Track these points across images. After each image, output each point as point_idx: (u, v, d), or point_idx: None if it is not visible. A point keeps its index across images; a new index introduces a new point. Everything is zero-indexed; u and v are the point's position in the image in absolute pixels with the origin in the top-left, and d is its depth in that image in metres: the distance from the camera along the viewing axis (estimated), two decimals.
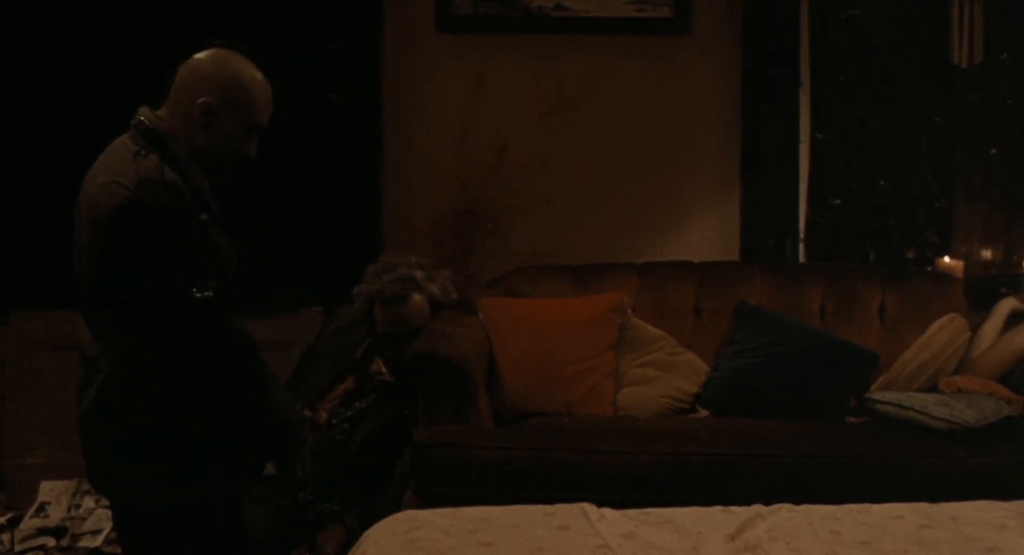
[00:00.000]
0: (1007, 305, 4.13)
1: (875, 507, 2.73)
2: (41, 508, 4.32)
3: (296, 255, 4.77)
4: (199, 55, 2.77)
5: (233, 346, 2.62)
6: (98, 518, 4.16)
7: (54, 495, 4.37)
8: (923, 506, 2.74)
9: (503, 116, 4.83)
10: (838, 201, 4.91)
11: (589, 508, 2.69)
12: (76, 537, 4.17)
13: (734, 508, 2.73)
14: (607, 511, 2.67)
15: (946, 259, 4.73)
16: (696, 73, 4.84)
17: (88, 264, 2.59)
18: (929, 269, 4.78)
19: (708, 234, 4.84)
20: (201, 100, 2.69)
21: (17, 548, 4.11)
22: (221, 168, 2.78)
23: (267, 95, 2.82)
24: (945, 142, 4.94)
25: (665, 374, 4.09)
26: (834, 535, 2.52)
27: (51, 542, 4.13)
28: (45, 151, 4.70)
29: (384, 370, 3.98)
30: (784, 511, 2.70)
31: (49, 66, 4.70)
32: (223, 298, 2.59)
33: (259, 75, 2.80)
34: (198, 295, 2.52)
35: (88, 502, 4.31)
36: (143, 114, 2.72)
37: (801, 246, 4.84)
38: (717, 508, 2.74)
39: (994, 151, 4.92)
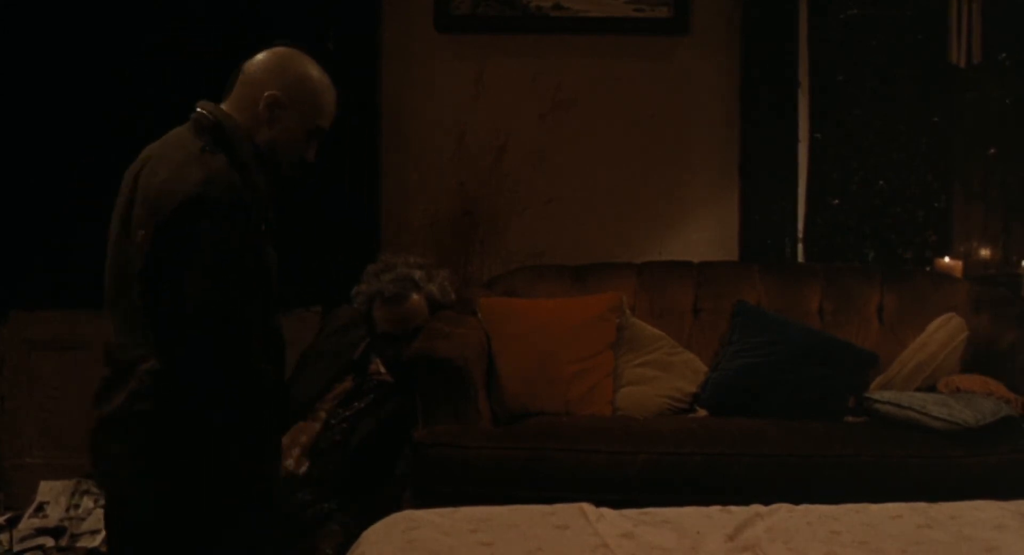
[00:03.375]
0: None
1: (874, 507, 2.73)
2: (40, 508, 4.32)
3: (295, 255, 4.76)
4: (267, 51, 2.74)
5: (252, 380, 2.55)
6: (97, 518, 4.16)
7: (53, 495, 4.37)
8: (922, 506, 2.74)
9: (502, 116, 4.83)
10: (837, 201, 4.91)
11: (588, 508, 2.69)
12: (75, 537, 4.17)
13: (733, 508, 2.73)
14: (606, 511, 2.67)
15: (945, 259, 4.73)
16: (695, 73, 4.84)
17: (143, 260, 2.50)
18: (928, 269, 4.78)
19: (707, 234, 4.84)
20: (269, 93, 2.65)
21: (16, 548, 4.11)
22: (280, 171, 2.75)
23: (333, 98, 2.80)
24: (944, 142, 4.94)
25: (664, 374, 4.09)
26: (833, 535, 2.52)
27: (50, 542, 4.13)
28: (43, 152, 4.71)
29: (383, 370, 3.98)
30: (783, 511, 2.70)
31: (47, 69, 4.70)
32: (259, 318, 2.56)
33: (327, 78, 2.79)
34: (236, 309, 2.47)
35: (87, 502, 4.31)
36: (204, 107, 2.66)
37: (800, 246, 4.84)
38: (716, 508, 2.74)
39: (993, 151, 4.93)
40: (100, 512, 4.15)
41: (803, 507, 2.73)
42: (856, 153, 4.91)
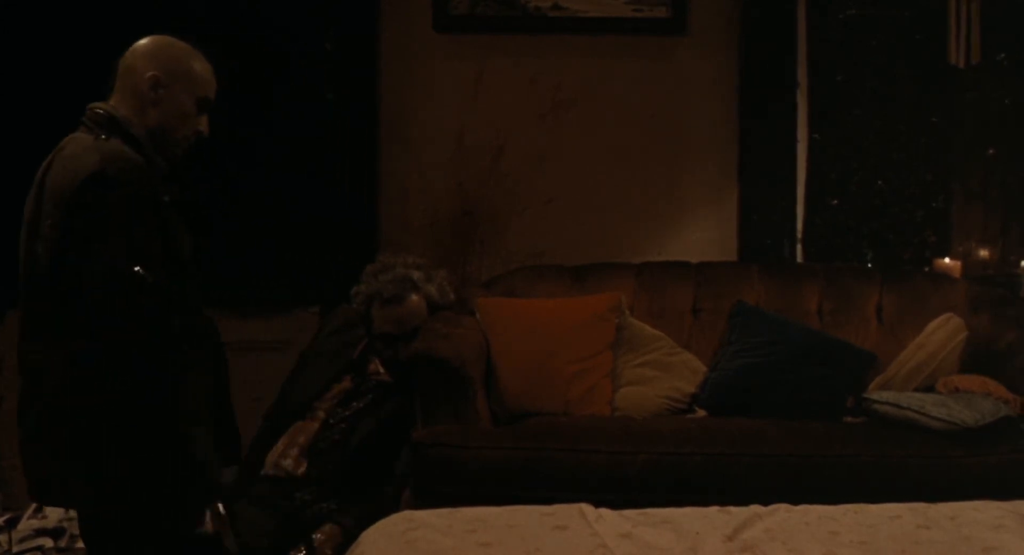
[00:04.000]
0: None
1: (872, 507, 2.73)
2: (39, 509, 4.32)
3: (293, 255, 4.77)
4: (139, 41, 2.87)
5: (170, 351, 2.55)
6: None
7: None
8: (921, 506, 2.74)
9: (501, 116, 4.83)
10: (836, 201, 4.91)
11: (587, 508, 2.69)
12: (74, 538, 4.16)
13: (732, 508, 2.73)
14: (605, 511, 2.67)
15: (944, 259, 4.73)
16: (693, 73, 4.84)
17: (50, 252, 2.57)
18: (926, 269, 4.78)
19: (706, 234, 4.84)
20: (150, 74, 2.76)
21: (15, 549, 4.11)
22: (177, 148, 2.82)
23: (209, 68, 2.89)
24: (942, 142, 4.94)
25: (663, 374, 4.09)
26: (831, 535, 2.52)
27: (49, 543, 4.12)
28: (40, 153, 4.70)
29: (382, 370, 3.98)
30: (782, 511, 2.70)
31: (41, 68, 4.70)
32: (172, 290, 2.56)
33: (197, 51, 2.89)
34: (143, 273, 2.49)
35: None
36: (93, 107, 2.77)
37: (799, 246, 4.84)
38: (715, 508, 2.74)
39: (991, 151, 4.93)
40: None
41: (802, 507, 2.73)
42: (855, 153, 4.91)
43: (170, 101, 2.78)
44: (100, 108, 2.75)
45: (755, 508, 2.71)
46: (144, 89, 2.76)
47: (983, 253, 4.90)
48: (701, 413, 4.01)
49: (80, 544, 4.12)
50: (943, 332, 4.04)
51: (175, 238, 2.65)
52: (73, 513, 4.26)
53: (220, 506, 2.74)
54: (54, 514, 4.26)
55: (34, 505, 4.34)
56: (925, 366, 3.97)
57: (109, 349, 2.50)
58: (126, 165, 2.59)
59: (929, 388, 3.89)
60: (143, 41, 2.86)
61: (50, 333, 2.60)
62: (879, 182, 4.91)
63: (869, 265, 4.86)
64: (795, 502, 2.78)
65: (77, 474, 2.60)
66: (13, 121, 4.69)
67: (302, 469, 3.71)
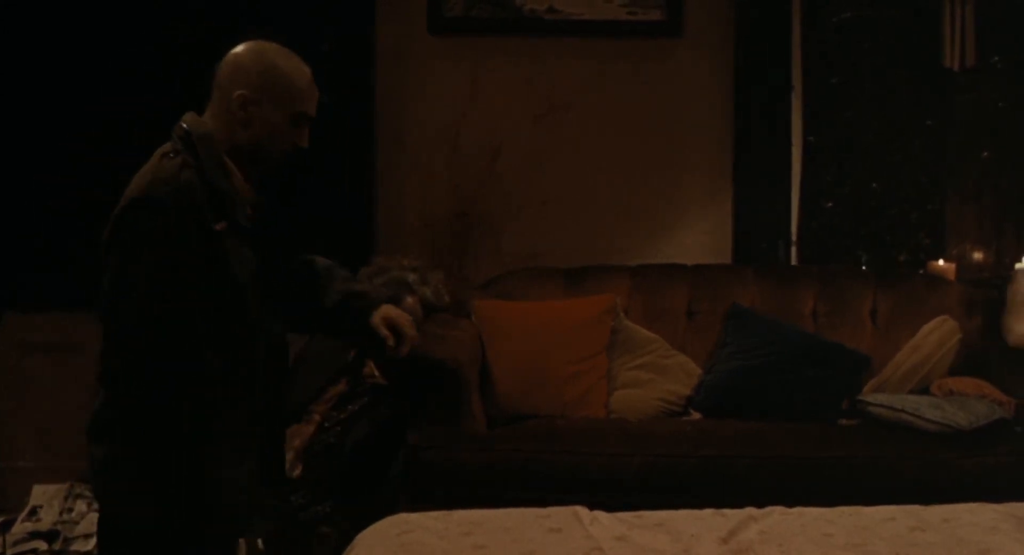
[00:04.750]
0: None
1: (867, 509, 2.73)
2: (33, 512, 4.32)
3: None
4: (234, 49, 2.70)
5: (196, 390, 2.47)
6: (90, 522, 4.15)
7: (46, 499, 4.36)
8: (915, 508, 2.74)
9: (496, 118, 4.82)
10: (830, 203, 4.92)
11: (582, 511, 2.69)
12: (68, 541, 4.16)
13: (726, 511, 2.73)
14: (600, 514, 2.67)
15: (939, 262, 4.74)
16: (688, 76, 4.84)
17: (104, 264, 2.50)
18: (921, 271, 4.78)
19: (701, 236, 4.84)
20: (237, 93, 2.61)
21: (9, 552, 4.10)
22: (272, 165, 2.72)
23: (306, 79, 2.75)
24: (937, 145, 4.95)
25: (658, 376, 4.09)
26: (826, 537, 2.52)
27: (43, 546, 4.12)
28: (37, 154, 4.70)
29: (377, 373, 3.97)
30: (776, 513, 2.70)
31: (37, 71, 4.70)
32: (207, 325, 2.49)
33: (296, 61, 2.74)
34: (160, 311, 2.41)
35: (80, 506, 4.30)
36: (185, 119, 2.64)
37: (793, 248, 4.84)
38: (709, 511, 2.74)
39: (986, 154, 4.94)
40: (94, 516, 4.14)
41: (796, 510, 2.73)
42: (849, 156, 4.92)
43: (261, 120, 2.64)
44: (185, 122, 2.63)
45: (750, 510, 2.71)
46: (233, 108, 2.62)
47: (977, 255, 4.91)
48: (696, 415, 4.01)
49: (74, 547, 4.12)
50: (938, 334, 4.04)
51: (230, 265, 2.54)
52: (67, 517, 4.26)
53: (251, 542, 2.71)
54: (48, 517, 4.26)
55: (28, 508, 4.34)
56: (919, 368, 3.97)
57: (125, 385, 2.45)
58: (173, 190, 2.47)
59: (924, 390, 3.90)
60: (236, 50, 2.69)
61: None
62: (874, 184, 4.92)
63: (864, 267, 4.86)
64: (790, 504, 2.78)
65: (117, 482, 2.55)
66: (13, 121, 4.70)
67: (297, 472, 3.70)
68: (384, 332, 2.79)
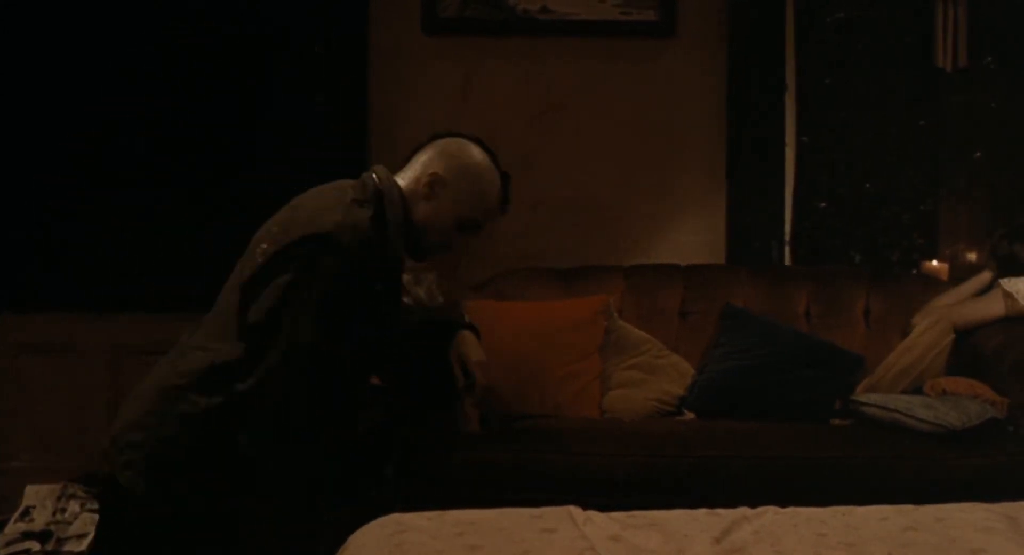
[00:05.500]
0: (986, 277, 4.18)
1: (860, 509, 2.73)
2: (26, 512, 4.30)
3: None
4: (450, 137, 2.91)
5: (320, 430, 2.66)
6: (83, 522, 4.15)
7: (39, 499, 4.35)
8: (908, 508, 2.74)
9: (490, 119, 4.81)
10: (823, 204, 4.93)
11: (575, 511, 2.68)
12: (61, 541, 4.15)
13: (720, 510, 2.73)
14: (593, 514, 2.67)
15: (932, 262, 4.75)
16: (682, 76, 4.85)
17: (252, 272, 2.64)
18: (914, 272, 4.79)
19: (694, 237, 4.84)
20: (432, 171, 2.80)
21: (1, 552, 4.09)
22: (422, 252, 2.87)
23: (495, 192, 2.91)
24: (930, 145, 4.96)
25: (651, 377, 4.09)
26: (819, 537, 2.52)
27: (36, 546, 4.11)
28: (33, 155, 4.70)
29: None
30: (770, 513, 2.70)
31: (31, 73, 4.70)
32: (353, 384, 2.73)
33: (496, 176, 2.91)
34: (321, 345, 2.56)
35: (73, 506, 4.29)
36: (377, 171, 2.81)
37: (787, 249, 4.85)
38: (703, 510, 2.74)
39: (978, 154, 4.95)
40: (87, 516, 4.14)
41: (790, 509, 2.73)
42: (843, 156, 4.93)
43: (441, 203, 2.82)
44: (377, 175, 2.79)
45: (743, 510, 2.71)
46: (423, 182, 2.81)
47: (970, 256, 4.92)
48: (690, 415, 4.01)
49: (67, 548, 4.11)
50: (931, 335, 4.05)
51: (373, 322, 2.70)
52: (60, 517, 4.25)
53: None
54: (41, 517, 4.25)
55: (21, 508, 4.33)
56: (913, 368, 3.98)
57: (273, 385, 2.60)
58: (360, 241, 2.59)
59: (917, 390, 3.90)
60: (451, 139, 2.92)
61: (227, 337, 2.68)
62: (867, 185, 4.93)
63: (857, 267, 4.87)
64: (783, 504, 2.78)
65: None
66: (11, 121, 4.70)
67: None
68: (456, 372, 3.07)
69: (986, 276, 4.18)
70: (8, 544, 4.14)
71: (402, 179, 2.84)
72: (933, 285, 4.42)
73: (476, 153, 2.90)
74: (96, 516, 4.06)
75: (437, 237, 2.85)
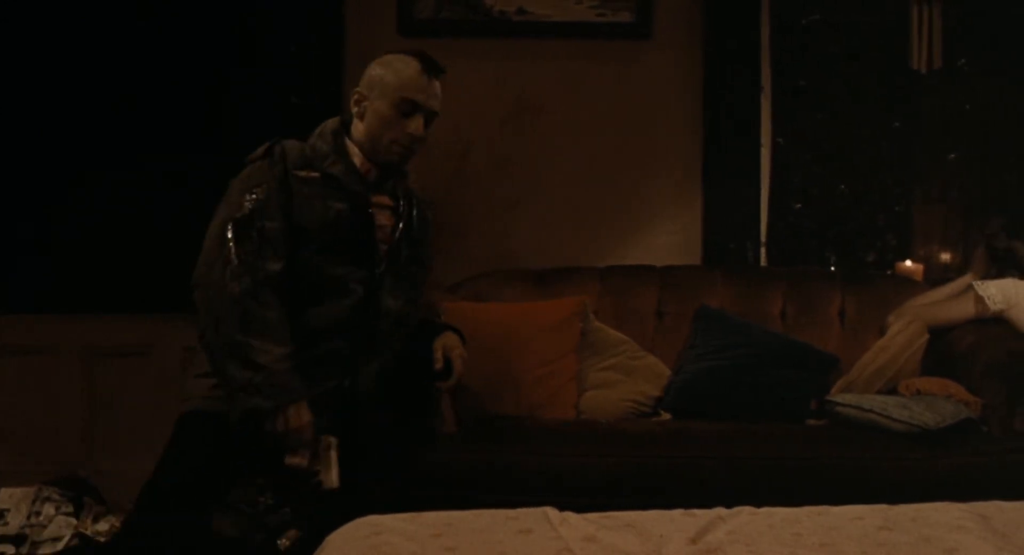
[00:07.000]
0: (967, 280, 4.20)
1: (835, 509, 2.74)
2: (0, 515, 4.28)
3: None
4: None
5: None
6: (58, 525, 4.13)
7: (13, 502, 4.32)
8: (882, 508, 2.75)
9: (466, 120, 4.81)
10: (799, 205, 4.94)
11: (551, 512, 2.68)
12: (36, 544, 4.12)
13: (695, 511, 2.73)
14: (569, 515, 2.67)
15: (906, 263, 4.77)
16: (657, 77, 4.85)
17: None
18: (889, 273, 4.81)
19: (670, 238, 4.85)
20: (354, 91, 3.08)
21: None
22: (389, 154, 3.06)
23: (413, 70, 3.08)
24: (904, 147, 4.98)
25: (627, 378, 4.10)
26: (795, 537, 2.53)
27: (10, 550, 4.09)
28: (20, 155, 4.67)
29: None
30: (745, 514, 2.71)
31: (24, 73, 4.68)
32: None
33: (407, 58, 3.11)
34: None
35: (48, 509, 4.27)
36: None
37: (762, 249, 4.86)
38: (678, 511, 2.74)
39: (953, 156, 4.97)
40: (61, 519, 4.12)
41: (765, 510, 2.74)
42: (818, 157, 4.94)
43: (370, 112, 3.05)
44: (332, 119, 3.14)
45: (719, 511, 2.72)
46: (353, 108, 3.08)
47: (944, 256, 4.94)
48: (665, 416, 4.02)
49: (42, 551, 4.09)
50: (905, 335, 4.06)
51: (309, 211, 3.01)
52: (35, 520, 4.23)
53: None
54: (15, 520, 4.23)
55: None
56: (887, 369, 3.99)
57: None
58: (267, 155, 3.03)
59: (891, 390, 3.92)
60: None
61: None
62: (842, 186, 4.95)
63: (832, 268, 4.89)
64: (758, 504, 2.78)
65: None
66: (10, 122, 4.67)
67: None
68: (437, 355, 3.18)
69: (967, 279, 4.20)
70: None
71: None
72: (908, 286, 4.44)
73: (383, 55, 3.12)
74: (72, 519, 4.05)
75: (387, 135, 3.04)
